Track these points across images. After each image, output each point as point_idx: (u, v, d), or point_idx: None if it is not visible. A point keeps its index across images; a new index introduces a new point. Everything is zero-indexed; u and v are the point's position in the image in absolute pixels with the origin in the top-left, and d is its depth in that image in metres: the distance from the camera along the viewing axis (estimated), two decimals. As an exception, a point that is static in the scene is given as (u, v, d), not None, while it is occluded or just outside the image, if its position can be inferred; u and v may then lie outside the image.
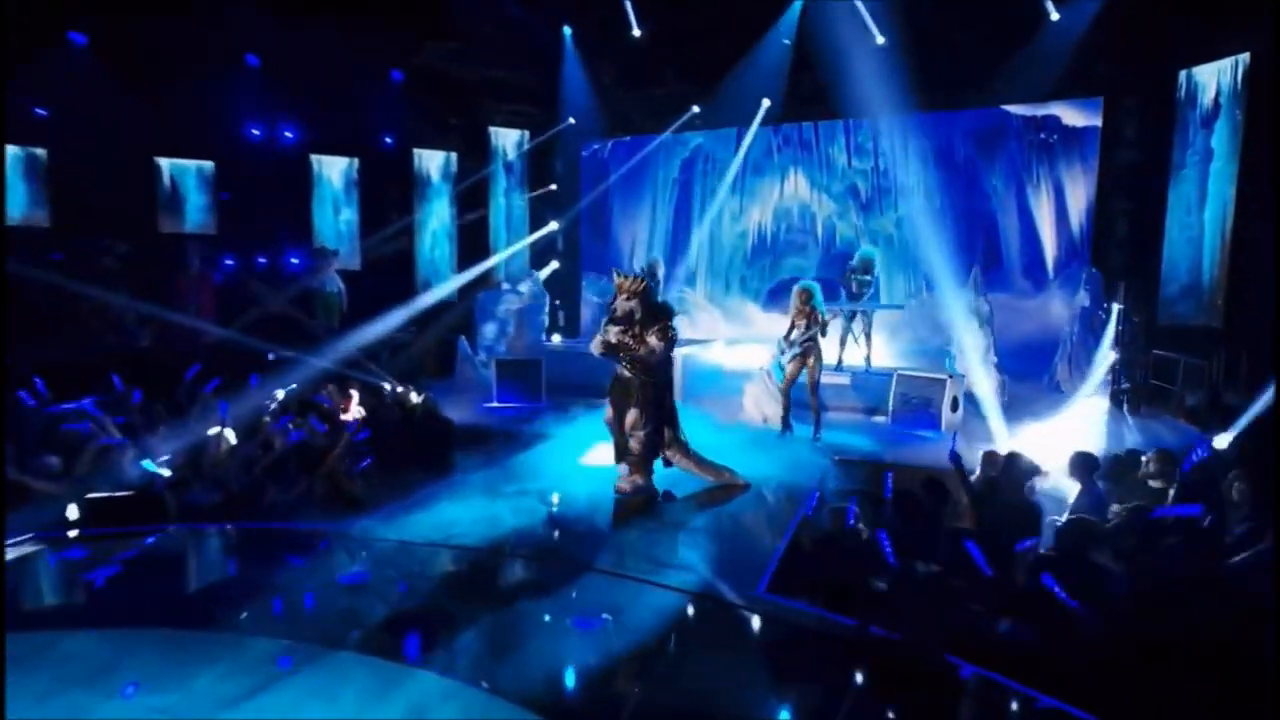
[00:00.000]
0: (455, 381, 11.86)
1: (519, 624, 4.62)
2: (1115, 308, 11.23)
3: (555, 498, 7.02)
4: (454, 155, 14.39)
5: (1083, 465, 5.70)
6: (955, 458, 5.74)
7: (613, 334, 6.89)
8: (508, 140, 14.99)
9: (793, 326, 8.93)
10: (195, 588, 5.41)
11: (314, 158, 13.50)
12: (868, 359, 10.99)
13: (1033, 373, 11.47)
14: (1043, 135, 12.71)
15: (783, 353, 8.99)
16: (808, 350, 8.82)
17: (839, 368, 10.77)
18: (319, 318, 11.80)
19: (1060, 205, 12.77)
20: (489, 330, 12.44)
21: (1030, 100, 12.52)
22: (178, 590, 5.21)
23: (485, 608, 4.79)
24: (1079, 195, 12.61)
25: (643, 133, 14.55)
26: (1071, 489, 5.73)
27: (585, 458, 8.00)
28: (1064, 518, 5.03)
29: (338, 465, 6.65)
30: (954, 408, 9.14)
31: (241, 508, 6.23)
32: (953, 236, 13.41)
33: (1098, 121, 12.27)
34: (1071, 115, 12.50)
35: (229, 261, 12.43)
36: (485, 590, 5.21)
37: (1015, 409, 9.64)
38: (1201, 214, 11.47)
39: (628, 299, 6.80)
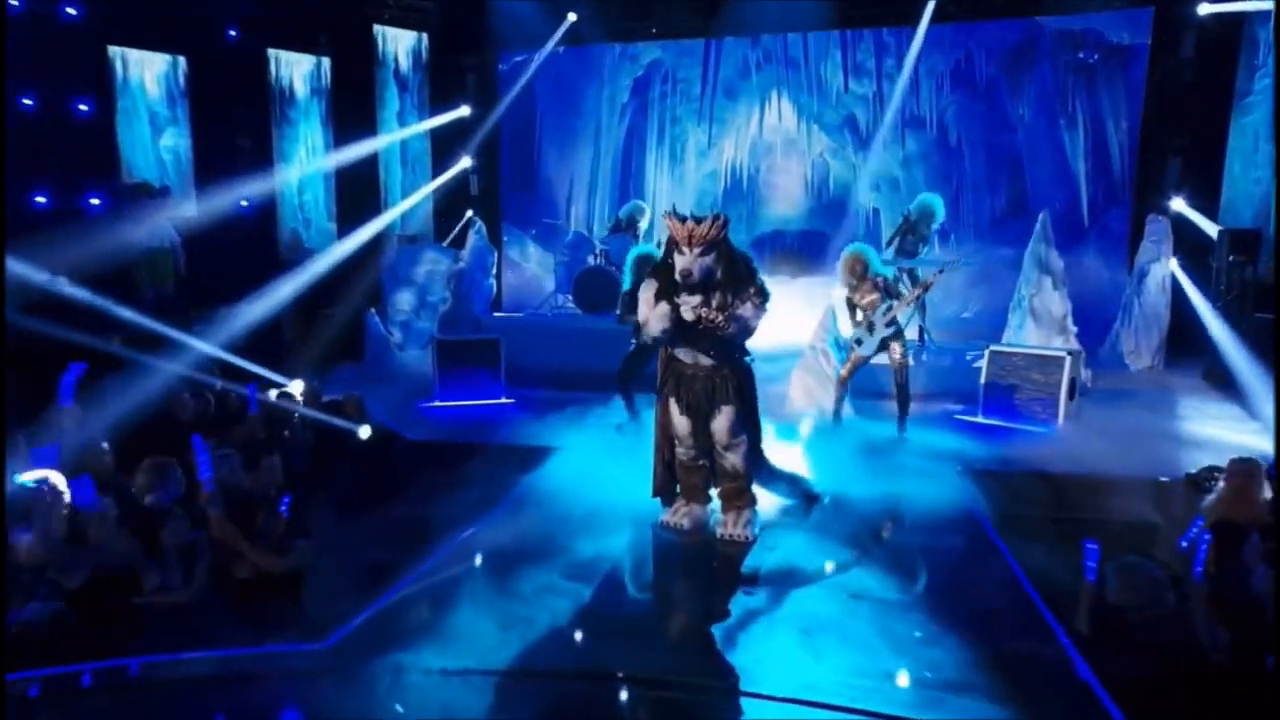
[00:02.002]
0: (367, 371, 9.73)
1: None
2: (1170, 262, 10.46)
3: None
4: (326, 62, 12.03)
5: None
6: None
7: (689, 307, 4.97)
8: (400, 44, 12.66)
9: (853, 307, 7.49)
10: None
11: (116, 52, 10.33)
12: (925, 331, 9.63)
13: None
14: (1081, 54, 11.66)
15: (859, 342, 7.46)
16: (894, 333, 7.44)
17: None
18: (143, 284, 9.08)
19: (1099, 139, 11.83)
20: (404, 300, 10.24)
21: (1067, 9, 11.42)
22: None
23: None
24: (1121, 128, 11.71)
25: (582, 43, 12.70)
26: None
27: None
28: None
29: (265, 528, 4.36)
30: (1072, 394, 7.84)
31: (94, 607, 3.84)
32: (970, 178, 12.33)
33: (1146, 38, 11.37)
34: (1116, 29, 11.54)
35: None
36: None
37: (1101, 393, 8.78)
38: (1270, 150, 10.85)
39: (702, 252, 4.86)
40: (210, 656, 3.73)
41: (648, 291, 5.13)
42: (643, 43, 12.69)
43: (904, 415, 7.57)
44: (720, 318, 4.96)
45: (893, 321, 7.40)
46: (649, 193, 12.89)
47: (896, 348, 7.47)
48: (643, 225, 10.93)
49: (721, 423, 5.21)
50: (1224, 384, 9.27)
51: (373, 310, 9.98)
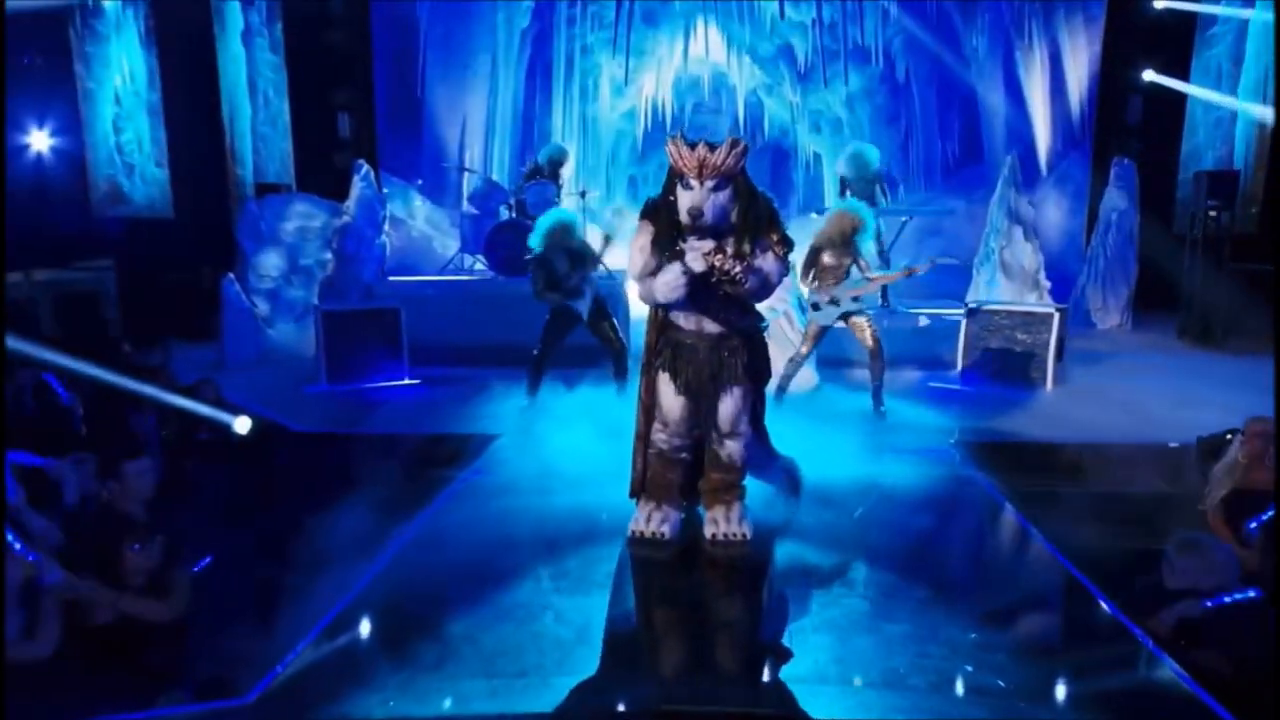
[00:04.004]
0: (226, 351, 8.82)
1: None
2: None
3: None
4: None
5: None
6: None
7: (699, 254, 4.42)
8: (244, -51, 11.45)
9: (819, 267, 7.24)
10: None
11: None
12: (886, 292, 9.47)
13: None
14: (1039, -23, 11.84)
15: (816, 307, 7.30)
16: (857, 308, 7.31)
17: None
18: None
19: (1057, 76, 11.98)
20: (270, 263, 9.32)
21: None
22: None
23: None
24: (1080, 61, 11.88)
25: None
26: None
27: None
28: None
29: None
30: (1060, 355, 7.81)
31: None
32: (920, 119, 12.32)
33: (1105, -40, 11.58)
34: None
35: None
36: None
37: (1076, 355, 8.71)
38: (1235, 85, 11.23)
39: (715, 186, 4.37)
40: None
41: (641, 239, 4.54)
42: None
43: (879, 386, 7.38)
44: (739, 268, 4.38)
45: (857, 298, 7.24)
46: (556, 135, 12.31)
47: (864, 324, 7.27)
48: (565, 173, 10.34)
49: (728, 407, 4.67)
50: (1202, 341, 9.54)
51: (230, 277, 9.06)
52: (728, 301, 4.52)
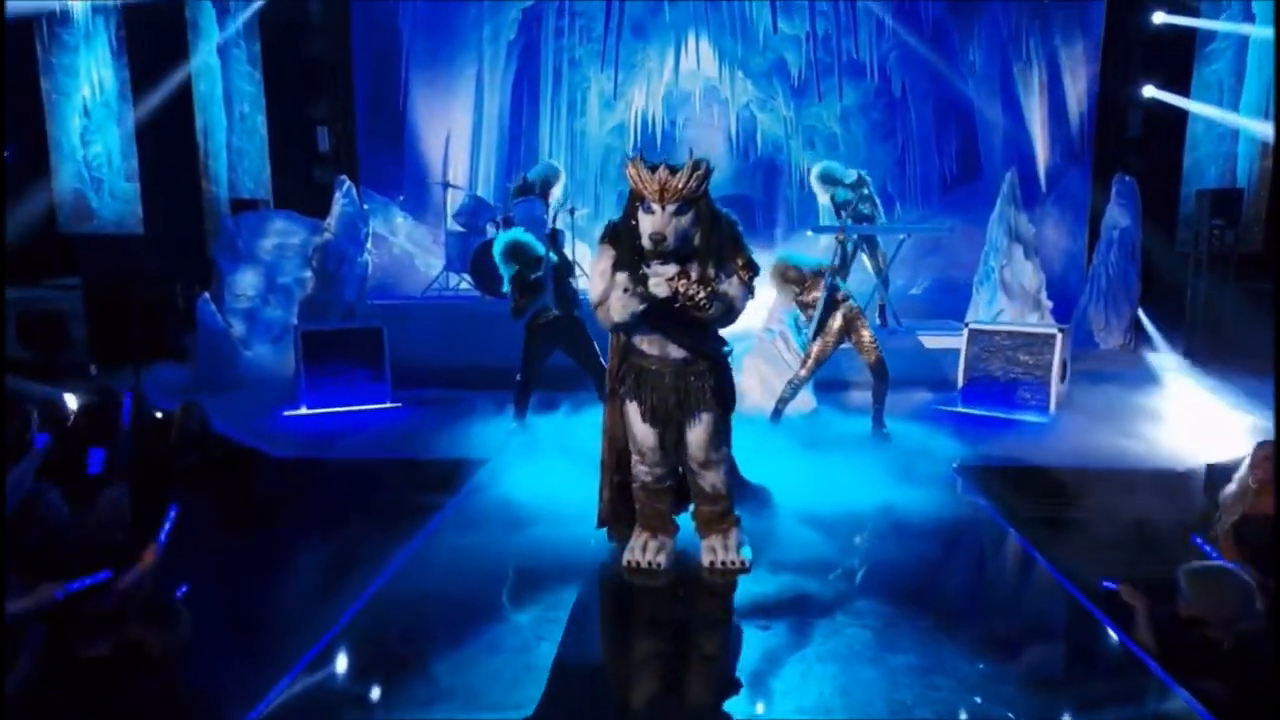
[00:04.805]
0: (201, 373, 8.86)
1: None
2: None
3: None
4: (114, -32, 10.86)
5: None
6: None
7: (662, 279, 4.41)
8: (218, -50, 11.57)
9: (804, 307, 7.58)
10: None
11: None
12: (886, 309, 9.58)
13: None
14: (1036, -9, 12.06)
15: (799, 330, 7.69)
16: (851, 319, 7.44)
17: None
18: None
19: (1056, 91, 12.17)
20: (246, 281, 9.39)
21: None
22: None
23: None
24: (1079, 76, 12.08)
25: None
26: None
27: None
28: None
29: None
30: (1063, 377, 7.90)
31: None
32: (916, 134, 12.49)
33: (1104, -27, 11.79)
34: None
35: None
36: None
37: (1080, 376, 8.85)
38: (1236, 101, 11.42)
39: (677, 210, 4.43)
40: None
41: (602, 263, 4.57)
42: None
43: (880, 409, 7.46)
44: (703, 293, 4.45)
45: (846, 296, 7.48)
46: (543, 152, 12.42)
47: (864, 332, 7.39)
48: (556, 193, 10.44)
49: (699, 434, 4.73)
50: (1209, 360, 9.64)
51: (205, 296, 9.08)
52: (692, 325, 4.58)
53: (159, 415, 6.21)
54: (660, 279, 4.42)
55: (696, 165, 4.41)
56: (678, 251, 4.43)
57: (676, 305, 4.44)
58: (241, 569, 4.78)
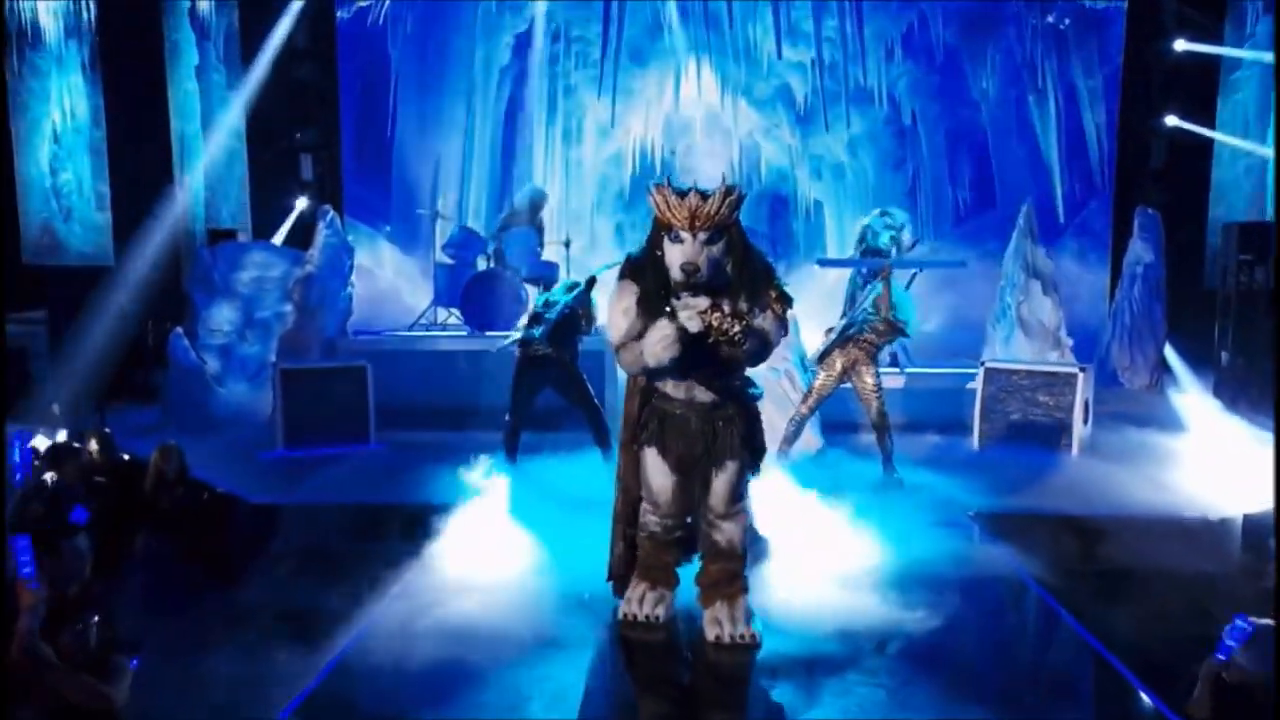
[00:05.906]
0: (173, 413, 8.89)
1: None
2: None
3: None
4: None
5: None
6: None
7: (694, 312, 4.30)
8: (198, -27, 11.77)
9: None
10: None
11: None
12: (900, 349, 9.53)
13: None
14: (1051, 18, 12.13)
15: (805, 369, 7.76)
16: (855, 361, 7.38)
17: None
18: None
19: (1073, 120, 12.27)
20: (222, 316, 9.44)
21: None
22: None
23: None
24: (1098, 104, 12.18)
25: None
26: None
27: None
28: None
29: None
30: (1085, 418, 7.87)
31: None
32: (928, 164, 12.55)
33: (1124, 1, 11.89)
34: (1091, -10, 12.04)
35: None
36: None
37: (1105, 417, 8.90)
38: (1263, 132, 11.49)
39: (709, 239, 4.38)
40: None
41: (624, 301, 4.46)
42: (529, -8, 12.29)
43: (888, 452, 7.42)
44: (738, 327, 4.27)
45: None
46: (537, 179, 12.45)
47: (868, 379, 7.37)
48: (545, 216, 10.48)
49: (723, 484, 4.62)
50: (1240, 401, 9.61)
51: (178, 331, 9.09)
52: (720, 366, 4.47)
53: (125, 458, 6.15)
54: (692, 311, 4.29)
55: (729, 190, 4.32)
56: (710, 283, 4.34)
57: (710, 341, 4.30)
58: (209, 622, 4.73)
